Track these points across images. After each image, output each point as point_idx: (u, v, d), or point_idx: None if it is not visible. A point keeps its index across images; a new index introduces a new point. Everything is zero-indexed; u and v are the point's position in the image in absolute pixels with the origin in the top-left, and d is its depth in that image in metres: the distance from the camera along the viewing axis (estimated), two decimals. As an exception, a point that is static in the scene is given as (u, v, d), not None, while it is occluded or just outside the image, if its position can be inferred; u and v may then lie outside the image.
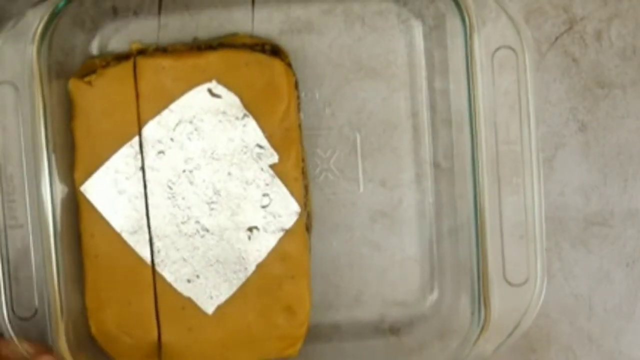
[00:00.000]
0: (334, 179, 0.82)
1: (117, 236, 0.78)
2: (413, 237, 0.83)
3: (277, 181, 0.78)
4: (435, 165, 0.82)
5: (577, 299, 0.85)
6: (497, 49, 0.74)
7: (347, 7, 0.81)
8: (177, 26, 0.80)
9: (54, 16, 0.74)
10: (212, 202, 0.78)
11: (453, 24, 0.77)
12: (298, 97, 0.79)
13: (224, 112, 0.77)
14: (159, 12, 0.80)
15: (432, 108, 0.82)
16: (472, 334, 0.77)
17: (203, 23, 0.80)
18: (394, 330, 0.83)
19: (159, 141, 0.77)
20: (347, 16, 0.81)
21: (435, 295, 0.83)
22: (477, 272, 0.77)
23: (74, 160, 0.77)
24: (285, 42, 0.81)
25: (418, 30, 0.81)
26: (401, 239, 0.83)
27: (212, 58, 0.77)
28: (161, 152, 0.77)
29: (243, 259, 0.79)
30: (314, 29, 0.81)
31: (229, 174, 0.78)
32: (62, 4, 0.74)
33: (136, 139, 0.77)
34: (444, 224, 0.83)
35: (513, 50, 0.74)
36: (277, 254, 0.79)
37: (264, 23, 0.81)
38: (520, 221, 0.75)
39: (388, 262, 0.83)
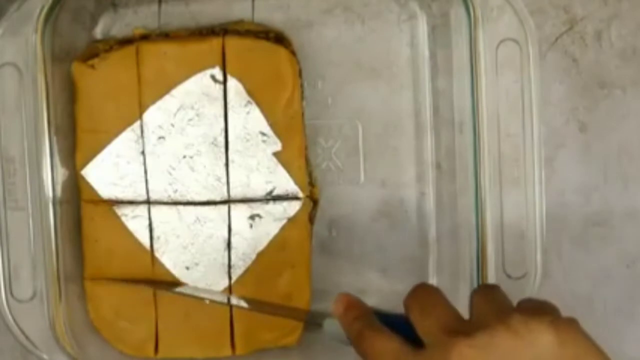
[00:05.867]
0: (335, 173, 0.82)
1: (117, 221, 0.77)
2: (413, 236, 0.83)
3: (280, 169, 0.78)
4: (437, 165, 0.82)
5: (577, 298, 0.84)
6: (501, 42, 0.74)
7: (347, 7, 0.81)
8: (177, 17, 0.80)
9: (58, 0, 0.74)
10: (214, 189, 0.78)
11: (457, 19, 0.77)
12: (301, 86, 0.79)
13: (226, 99, 0.77)
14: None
15: (434, 108, 0.82)
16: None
17: (203, 22, 0.81)
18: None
19: (160, 126, 0.77)
20: (347, 16, 0.82)
21: (434, 287, 0.83)
22: (476, 265, 0.76)
23: (75, 143, 0.77)
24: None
25: (421, 29, 0.82)
26: (401, 237, 0.83)
27: (216, 44, 0.77)
28: (162, 137, 0.77)
29: (244, 247, 0.78)
30: (313, 29, 0.82)
31: (232, 161, 0.77)
32: (66, -13, 0.74)
33: (137, 123, 0.77)
34: (444, 223, 0.83)
35: (517, 42, 0.74)
36: (278, 242, 0.78)
37: (264, 22, 0.81)
38: (521, 215, 0.75)
39: (388, 257, 0.83)
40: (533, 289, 0.75)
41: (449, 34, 0.79)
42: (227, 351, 0.79)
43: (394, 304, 0.82)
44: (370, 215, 0.83)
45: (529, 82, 0.74)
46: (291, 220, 0.78)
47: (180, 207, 0.78)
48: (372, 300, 0.82)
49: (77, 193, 0.78)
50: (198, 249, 0.78)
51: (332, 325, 0.69)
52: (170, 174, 0.77)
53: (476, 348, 0.57)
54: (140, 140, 0.77)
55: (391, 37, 0.82)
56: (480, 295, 0.64)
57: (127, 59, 0.76)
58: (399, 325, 0.64)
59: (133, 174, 0.77)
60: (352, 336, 0.66)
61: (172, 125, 0.77)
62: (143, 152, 0.77)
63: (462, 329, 0.59)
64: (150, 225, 0.78)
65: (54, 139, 0.75)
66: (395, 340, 0.62)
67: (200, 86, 0.77)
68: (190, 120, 0.77)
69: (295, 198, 0.78)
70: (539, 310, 0.60)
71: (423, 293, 0.65)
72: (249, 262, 0.78)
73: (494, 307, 0.61)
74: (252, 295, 0.79)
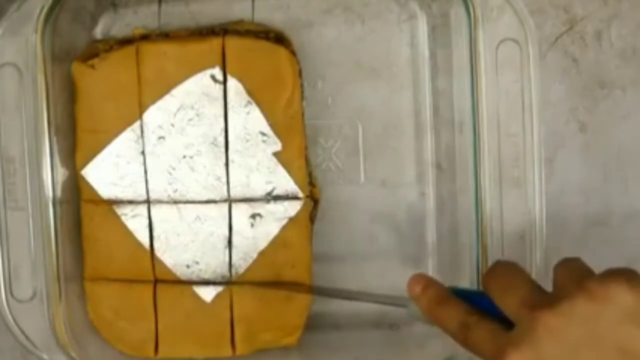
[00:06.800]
0: (335, 173, 0.82)
1: (117, 220, 0.77)
2: (413, 236, 0.83)
3: (280, 169, 0.78)
4: (437, 165, 0.82)
5: (577, 298, 0.84)
6: (501, 42, 0.74)
7: (347, 7, 0.82)
8: (177, 17, 0.80)
9: (58, 0, 0.74)
10: (214, 189, 0.78)
11: (457, 19, 0.77)
12: (301, 86, 0.79)
13: (226, 99, 0.77)
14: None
15: (434, 108, 0.82)
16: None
17: (203, 22, 0.81)
18: (394, 322, 0.82)
19: (160, 126, 0.77)
20: (347, 16, 0.82)
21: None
22: (476, 265, 0.76)
23: (75, 143, 0.78)
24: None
25: (421, 29, 0.82)
26: (401, 237, 0.83)
27: (216, 44, 0.77)
28: (162, 137, 0.77)
29: (244, 246, 0.78)
30: (313, 29, 0.82)
31: (232, 161, 0.77)
32: (66, -13, 0.74)
33: (137, 123, 0.77)
34: (444, 223, 0.83)
35: (517, 42, 0.74)
36: (279, 242, 0.78)
37: (264, 22, 0.81)
38: (521, 215, 0.75)
39: (388, 257, 0.83)
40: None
41: (449, 34, 0.79)
42: (228, 351, 0.79)
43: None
44: (370, 215, 0.83)
45: (529, 82, 0.74)
46: (292, 220, 0.78)
47: (181, 206, 0.78)
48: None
49: (77, 193, 0.78)
50: (199, 248, 0.78)
51: (416, 308, 0.69)
52: (170, 174, 0.77)
53: (560, 316, 0.58)
54: (140, 140, 0.77)
55: (391, 37, 0.82)
56: (562, 266, 0.64)
57: (127, 59, 0.77)
58: (478, 302, 0.65)
59: (133, 174, 0.78)
60: (446, 326, 0.66)
61: (172, 125, 0.77)
62: (143, 152, 0.77)
63: (543, 301, 0.60)
64: (150, 224, 0.78)
65: (54, 139, 0.75)
66: (491, 323, 0.63)
67: (200, 86, 0.77)
68: (190, 120, 0.77)
69: (295, 198, 0.78)
70: (616, 272, 0.60)
71: (500, 271, 0.66)
72: (249, 261, 0.79)
73: (573, 275, 0.61)
74: (253, 294, 0.79)
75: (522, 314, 0.60)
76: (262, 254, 0.78)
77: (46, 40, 0.74)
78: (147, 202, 0.78)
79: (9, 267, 0.74)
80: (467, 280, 0.78)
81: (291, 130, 0.78)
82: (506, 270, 0.66)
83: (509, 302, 0.62)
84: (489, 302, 0.64)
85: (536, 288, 0.63)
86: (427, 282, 0.69)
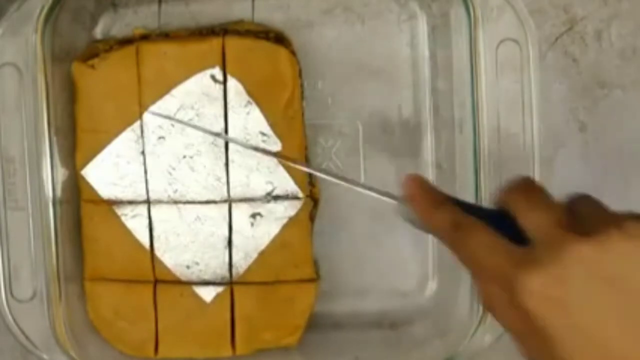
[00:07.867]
0: (335, 171, 0.82)
1: (117, 220, 0.77)
2: (413, 236, 0.83)
3: (280, 169, 0.78)
4: (437, 165, 0.82)
5: (576, 298, 0.84)
6: (501, 42, 0.74)
7: (347, 7, 0.82)
8: (177, 17, 0.81)
9: (58, 0, 0.74)
10: (214, 189, 0.78)
11: (457, 19, 0.77)
12: (301, 86, 0.79)
13: (226, 99, 0.77)
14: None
15: (434, 108, 0.82)
16: (470, 325, 0.76)
17: (203, 22, 0.81)
18: (394, 322, 0.82)
19: (160, 126, 0.77)
20: (347, 16, 0.82)
21: (434, 287, 0.83)
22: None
23: (75, 143, 0.78)
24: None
25: (421, 29, 0.82)
26: (401, 237, 0.83)
27: (216, 44, 0.77)
28: (162, 137, 0.77)
29: (245, 246, 0.78)
30: (313, 29, 0.82)
31: (232, 161, 0.77)
32: (66, -13, 0.74)
33: (137, 123, 0.77)
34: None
35: (517, 42, 0.74)
36: (279, 241, 0.78)
37: (264, 22, 0.81)
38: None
39: (388, 257, 0.83)
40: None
41: (449, 34, 0.79)
42: (228, 351, 0.79)
43: (394, 304, 0.83)
44: (370, 215, 0.83)
45: (529, 82, 0.74)
46: (292, 220, 0.78)
47: (181, 206, 0.78)
48: (371, 301, 0.82)
49: (77, 193, 0.78)
50: (199, 248, 0.78)
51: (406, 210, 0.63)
52: (170, 174, 0.77)
53: (594, 247, 0.53)
54: (140, 140, 0.77)
55: (391, 37, 0.82)
56: (584, 200, 0.58)
57: (127, 59, 0.76)
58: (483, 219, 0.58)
59: (133, 174, 0.77)
60: (440, 227, 0.60)
61: (172, 125, 0.77)
62: (143, 152, 0.77)
63: (576, 226, 0.54)
64: (150, 224, 0.78)
65: (54, 139, 0.75)
66: (498, 235, 0.56)
67: (200, 86, 0.77)
68: (190, 120, 0.77)
69: (295, 198, 0.78)
70: None
71: (529, 186, 0.60)
72: (250, 260, 0.78)
73: (600, 212, 0.56)
74: (254, 294, 0.79)
75: (549, 233, 0.54)
76: (262, 253, 0.78)
77: (46, 40, 0.73)
78: (147, 202, 0.78)
79: (9, 267, 0.74)
80: (467, 280, 0.78)
81: (291, 130, 0.78)
82: (535, 187, 0.59)
83: (536, 218, 0.56)
84: (495, 221, 0.57)
85: (569, 214, 0.56)
86: (423, 183, 0.63)
